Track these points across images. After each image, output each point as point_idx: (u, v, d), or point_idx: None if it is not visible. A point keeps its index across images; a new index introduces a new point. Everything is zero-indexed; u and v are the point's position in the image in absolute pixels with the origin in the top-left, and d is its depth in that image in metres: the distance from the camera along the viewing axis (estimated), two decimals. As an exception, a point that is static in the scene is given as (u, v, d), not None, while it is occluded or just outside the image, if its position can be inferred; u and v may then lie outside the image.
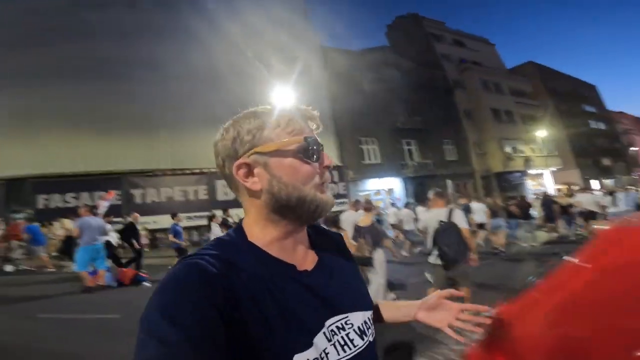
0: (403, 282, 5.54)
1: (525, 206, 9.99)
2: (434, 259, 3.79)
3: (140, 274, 7.15)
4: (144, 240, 9.22)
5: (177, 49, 12.90)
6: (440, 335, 3.04)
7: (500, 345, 1.01)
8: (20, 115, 11.86)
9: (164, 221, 12.75)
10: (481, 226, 9.20)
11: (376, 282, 4.32)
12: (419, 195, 16.76)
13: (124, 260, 7.91)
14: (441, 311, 0.83)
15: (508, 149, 23.77)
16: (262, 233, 0.58)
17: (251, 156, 0.57)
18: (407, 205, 12.94)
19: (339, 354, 0.54)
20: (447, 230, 3.65)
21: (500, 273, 6.25)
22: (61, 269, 8.53)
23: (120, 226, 8.86)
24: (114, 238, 7.84)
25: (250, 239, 0.58)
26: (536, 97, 29.47)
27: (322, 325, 0.54)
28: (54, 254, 9.25)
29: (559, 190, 22.06)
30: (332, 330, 0.55)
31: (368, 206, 4.92)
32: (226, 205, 13.65)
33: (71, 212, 9.20)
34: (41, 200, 11.96)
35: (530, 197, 17.57)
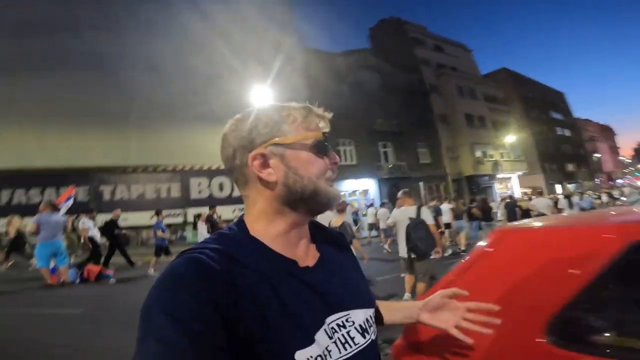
0: (370, 279, 5.78)
1: (486, 209, 10.61)
2: (404, 252, 4.26)
3: (106, 271, 7.14)
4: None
5: (150, 44, 12.63)
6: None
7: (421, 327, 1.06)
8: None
9: (135, 218, 12.63)
10: (448, 226, 9.78)
11: None
12: (392, 196, 17.25)
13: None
14: (445, 311, 0.81)
15: (478, 154, 24.77)
16: (267, 227, 0.58)
17: (268, 147, 0.58)
18: (383, 204, 13.48)
19: (340, 352, 0.54)
20: (417, 225, 4.15)
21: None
22: (19, 267, 8.34)
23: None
24: (97, 235, 7.89)
25: (252, 233, 0.58)
26: (507, 102, 30.75)
27: (323, 323, 0.54)
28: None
29: (524, 193, 23.32)
30: (332, 328, 0.55)
31: (341, 207, 5.03)
32: (200, 204, 13.69)
33: (33, 209, 8.97)
34: (4, 196, 11.52)
35: (497, 200, 18.53)
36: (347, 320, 0.58)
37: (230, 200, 14.29)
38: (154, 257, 7.73)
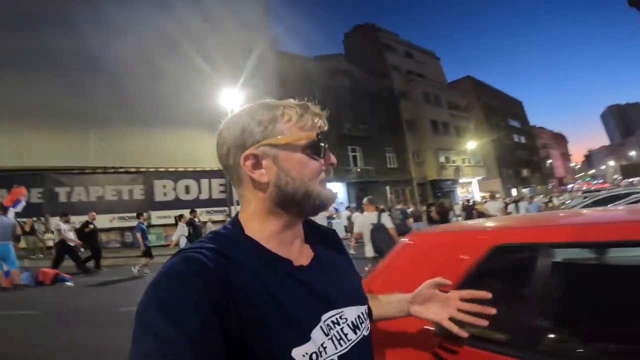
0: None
1: (444, 211, 11.31)
2: (370, 252, 4.85)
3: (62, 274, 7.04)
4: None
5: (114, 43, 12.10)
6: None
7: None
8: None
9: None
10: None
11: None
12: (360, 200, 17.76)
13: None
14: (436, 302, 0.80)
15: (442, 159, 26.00)
16: (261, 226, 0.58)
17: (260, 148, 0.57)
18: (349, 208, 13.97)
19: (336, 348, 0.54)
20: (378, 229, 4.83)
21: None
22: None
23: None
24: (71, 237, 7.92)
25: (247, 232, 0.58)
26: (470, 110, 32.45)
27: (319, 320, 0.54)
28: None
29: (483, 197, 24.82)
30: (328, 325, 0.55)
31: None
32: (164, 207, 13.38)
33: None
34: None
35: (460, 203, 19.63)
36: (340, 317, 0.58)
37: (197, 203, 14.06)
38: (146, 258, 7.79)
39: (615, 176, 71.03)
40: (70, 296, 5.99)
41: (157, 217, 13.27)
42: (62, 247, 7.74)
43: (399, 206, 11.30)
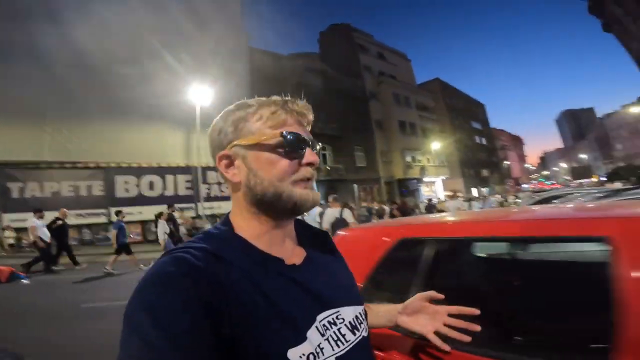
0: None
1: (405, 209, 11.95)
2: None
3: (18, 272, 6.84)
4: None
5: (72, 34, 11.49)
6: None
7: None
8: None
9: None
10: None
11: None
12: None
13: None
14: (424, 315, 0.80)
15: (408, 158, 26.94)
16: (247, 225, 0.58)
17: (232, 148, 0.57)
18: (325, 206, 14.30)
19: (333, 349, 0.53)
20: (339, 223, 5.37)
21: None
22: None
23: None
24: (46, 235, 7.82)
25: (237, 231, 0.57)
26: (436, 111, 33.82)
27: (314, 320, 0.53)
28: None
29: (447, 196, 26.07)
30: (324, 325, 0.54)
31: None
32: (126, 203, 12.92)
33: None
34: None
35: (424, 201, 20.53)
36: (337, 318, 0.57)
37: (162, 200, 13.72)
38: (115, 255, 7.72)
39: (566, 177, 77.17)
40: (28, 294, 5.85)
41: (166, 213, 12.86)
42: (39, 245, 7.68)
43: (364, 204, 11.74)
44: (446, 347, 0.77)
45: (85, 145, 12.25)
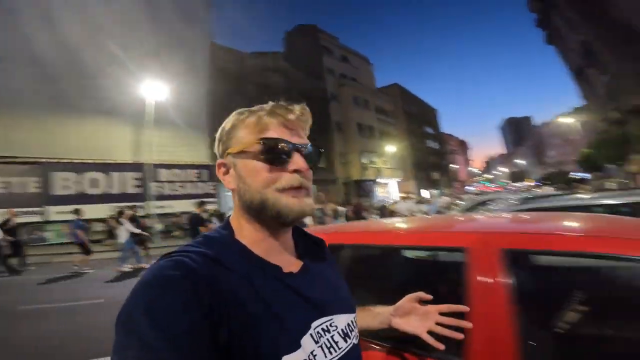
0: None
1: (358, 210, 12.47)
2: None
3: None
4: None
5: (16, 22, 10.45)
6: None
7: None
8: None
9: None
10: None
11: None
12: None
13: None
14: (416, 316, 0.82)
15: (365, 160, 27.91)
16: (245, 231, 0.58)
17: (227, 156, 0.58)
18: None
19: (325, 356, 0.53)
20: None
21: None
22: None
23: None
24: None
25: (237, 236, 0.57)
26: (394, 115, 35.31)
27: (309, 327, 0.53)
28: None
29: (401, 197, 27.30)
30: (318, 332, 0.54)
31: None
32: (65, 201, 12.00)
33: None
34: None
35: (377, 202, 21.38)
36: (331, 325, 0.57)
37: (107, 198, 12.91)
38: (83, 255, 7.58)
39: (506, 180, 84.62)
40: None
41: (56, 212, 11.82)
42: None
43: (319, 205, 12.03)
44: (440, 346, 0.77)
45: (21, 139, 11.20)
